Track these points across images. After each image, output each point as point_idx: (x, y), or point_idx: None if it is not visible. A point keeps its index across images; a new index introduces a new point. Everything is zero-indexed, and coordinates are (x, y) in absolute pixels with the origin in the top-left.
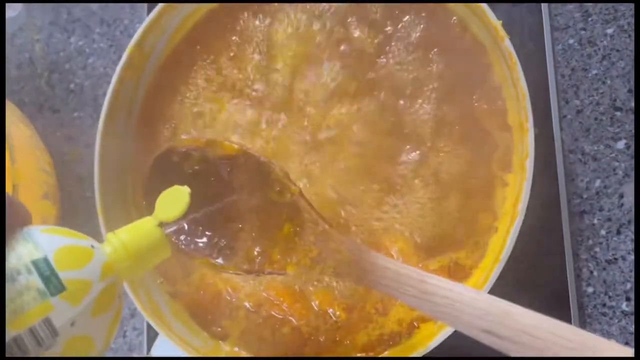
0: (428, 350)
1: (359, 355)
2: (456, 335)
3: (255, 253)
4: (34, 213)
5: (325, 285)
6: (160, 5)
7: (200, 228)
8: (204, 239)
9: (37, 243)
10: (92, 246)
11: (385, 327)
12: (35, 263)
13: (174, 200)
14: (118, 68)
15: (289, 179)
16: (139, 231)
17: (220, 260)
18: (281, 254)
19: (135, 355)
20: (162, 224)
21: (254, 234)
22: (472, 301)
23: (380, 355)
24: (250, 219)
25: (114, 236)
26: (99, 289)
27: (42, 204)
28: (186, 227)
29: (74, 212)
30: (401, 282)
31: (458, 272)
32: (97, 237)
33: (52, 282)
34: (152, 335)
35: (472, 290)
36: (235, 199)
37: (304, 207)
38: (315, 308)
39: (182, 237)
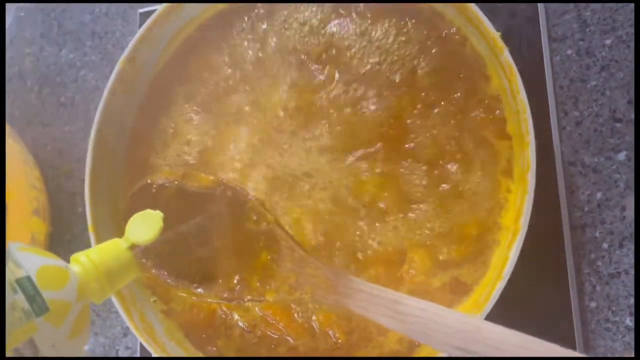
0: None
1: None
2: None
3: (235, 281)
4: (24, 230)
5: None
6: (152, 18)
7: (180, 258)
8: (184, 269)
9: (18, 261)
10: (66, 266)
11: (384, 346)
12: (19, 282)
13: (147, 223)
14: (110, 81)
15: (264, 208)
16: (109, 252)
17: (200, 290)
18: (260, 281)
19: None
20: (132, 247)
21: (232, 263)
22: (443, 319)
23: None
24: (228, 248)
25: (84, 256)
26: (76, 310)
27: (32, 221)
28: (166, 257)
29: (65, 228)
30: (376, 304)
31: (459, 289)
32: None
33: (36, 302)
34: (145, 355)
35: (444, 309)
36: (213, 229)
37: (280, 234)
38: (316, 329)
39: (162, 268)
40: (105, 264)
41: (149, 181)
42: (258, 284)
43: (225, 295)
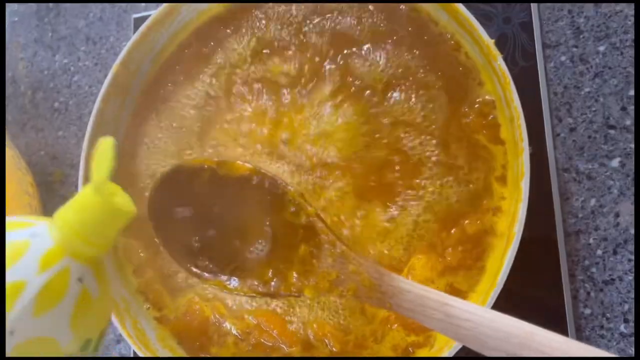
0: None
1: None
2: None
3: (270, 275)
4: None
5: (319, 315)
6: (146, 23)
7: (212, 250)
8: (216, 262)
9: None
10: (31, 235)
11: (379, 354)
12: None
13: (101, 156)
14: (103, 87)
15: (304, 200)
16: (80, 204)
17: (233, 283)
18: (298, 276)
19: None
20: (100, 188)
21: (268, 256)
22: (494, 324)
23: None
24: (264, 240)
25: (56, 218)
26: (38, 284)
27: None
28: (197, 248)
29: None
30: (424, 306)
31: (455, 296)
32: None
33: None
34: (139, 357)
35: (494, 312)
36: (248, 220)
37: (320, 228)
38: (311, 338)
39: (193, 259)
40: (79, 216)
41: (181, 164)
42: (295, 279)
43: (260, 289)
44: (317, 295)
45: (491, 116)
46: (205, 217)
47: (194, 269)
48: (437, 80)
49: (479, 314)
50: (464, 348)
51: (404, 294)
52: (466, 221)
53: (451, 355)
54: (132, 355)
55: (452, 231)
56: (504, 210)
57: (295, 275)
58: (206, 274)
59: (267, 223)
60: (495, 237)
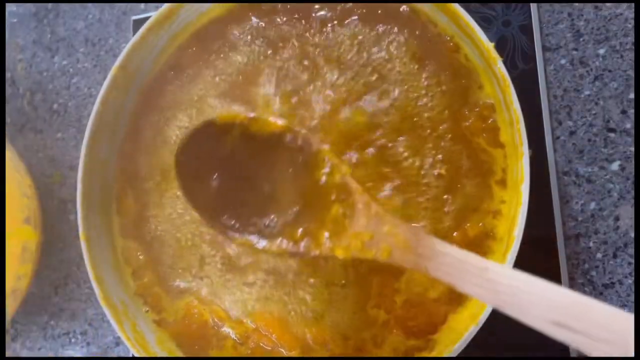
0: None
1: None
2: None
3: (300, 234)
4: (15, 238)
5: (316, 317)
6: (146, 25)
7: (240, 208)
8: (244, 220)
9: None
10: None
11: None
12: None
13: None
14: (103, 88)
15: (339, 159)
16: None
17: (262, 243)
18: (329, 236)
19: None
20: None
21: (298, 216)
22: (541, 291)
23: None
24: (295, 199)
25: None
26: None
27: (23, 229)
28: (225, 206)
29: (56, 236)
30: (462, 270)
31: (455, 300)
32: (81, 261)
33: None
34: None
35: (539, 280)
36: (278, 179)
37: (354, 188)
38: (310, 342)
39: (222, 217)
40: None
41: (212, 119)
42: (326, 239)
43: (290, 249)
44: (348, 255)
45: (491, 119)
46: (234, 175)
47: (222, 227)
48: (437, 84)
49: (521, 279)
50: (465, 350)
51: (441, 257)
52: (467, 224)
53: (454, 356)
54: (130, 357)
55: (454, 234)
56: (503, 213)
57: (326, 235)
58: (234, 233)
59: (299, 182)
60: (495, 241)
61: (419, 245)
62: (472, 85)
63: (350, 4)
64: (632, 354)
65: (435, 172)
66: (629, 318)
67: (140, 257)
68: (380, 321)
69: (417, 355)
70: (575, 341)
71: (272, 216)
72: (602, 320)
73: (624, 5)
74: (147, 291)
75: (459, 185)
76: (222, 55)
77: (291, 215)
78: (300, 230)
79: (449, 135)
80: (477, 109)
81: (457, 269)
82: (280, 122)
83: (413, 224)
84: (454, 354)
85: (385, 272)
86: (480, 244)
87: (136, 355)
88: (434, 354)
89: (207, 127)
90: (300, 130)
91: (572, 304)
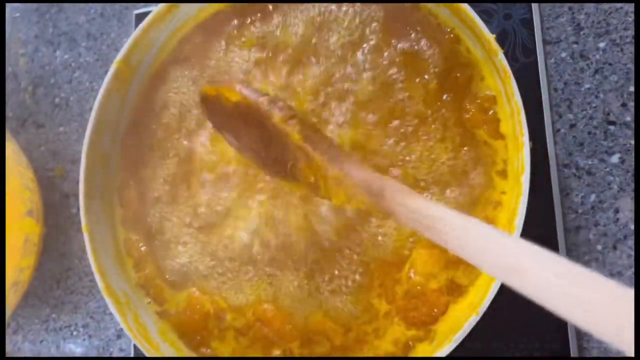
0: None
1: None
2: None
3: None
4: (17, 230)
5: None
6: (147, 19)
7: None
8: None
9: None
10: None
11: (379, 349)
12: None
13: None
14: (104, 82)
15: (286, 123)
16: None
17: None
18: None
19: None
20: None
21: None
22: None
23: None
24: (286, 156)
25: None
26: None
27: (25, 222)
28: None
29: (59, 229)
30: (416, 220)
31: (455, 291)
32: (82, 255)
33: None
34: (138, 356)
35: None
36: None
37: (305, 148)
38: (310, 333)
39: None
40: None
41: (201, 91)
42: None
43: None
44: (339, 203)
45: (491, 111)
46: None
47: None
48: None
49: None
50: (462, 347)
51: (398, 207)
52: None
53: (451, 349)
54: (132, 350)
55: None
56: (504, 204)
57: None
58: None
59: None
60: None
61: (382, 196)
62: (475, 78)
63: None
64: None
65: (436, 163)
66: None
67: (142, 249)
68: (382, 312)
69: (417, 345)
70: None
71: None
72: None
73: None
74: (149, 283)
75: (459, 176)
76: (223, 48)
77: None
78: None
79: (450, 127)
80: (478, 101)
81: (413, 219)
82: (245, 92)
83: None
84: (454, 344)
85: (387, 264)
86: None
87: (138, 346)
88: (434, 345)
89: (205, 97)
90: (250, 99)
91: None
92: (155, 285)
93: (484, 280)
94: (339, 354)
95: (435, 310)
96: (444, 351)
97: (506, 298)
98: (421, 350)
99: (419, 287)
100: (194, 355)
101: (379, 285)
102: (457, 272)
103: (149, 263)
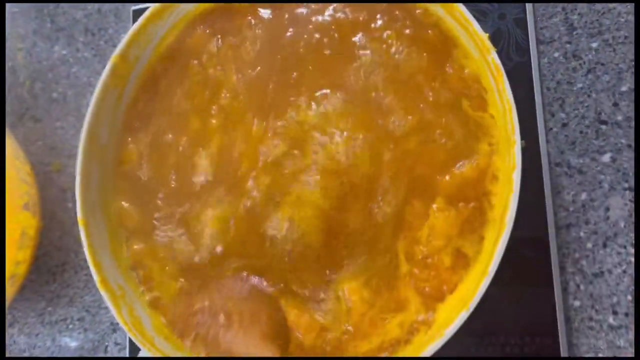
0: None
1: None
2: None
3: None
4: (14, 224)
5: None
6: (145, 15)
7: None
8: None
9: None
10: None
11: (387, 335)
12: None
13: None
14: (102, 78)
15: None
16: None
17: None
18: None
19: None
20: None
21: None
22: None
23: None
24: None
25: None
26: None
27: (22, 215)
28: None
29: (55, 223)
30: None
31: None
32: (79, 249)
33: None
34: (134, 350)
35: None
36: None
37: None
38: (300, 337)
39: None
40: None
41: None
42: None
43: None
44: None
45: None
46: None
47: None
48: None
49: None
50: (451, 345)
51: None
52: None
53: (442, 343)
54: (127, 344)
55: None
56: (496, 201)
57: None
58: None
59: None
60: (488, 224)
61: None
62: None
63: None
64: None
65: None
66: None
67: (135, 218)
68: (403, 270)
69: (419, 327)
70: None
71: None
72: None
73: None
74: (139, 264)
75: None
76: (221, 44)
77: None
78: None
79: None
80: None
81: None
82: None
83: None
84: (445, 339)
85: (406, 223)
86: (481, 191)
87: (133, 340)
88: (431, 332)
89: None
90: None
91: None
92: (144, 265)
93: (474, 276)
94: (350, 337)
95: (445, 287)
96: (435, 345)
97: (497, 296)
98: (417, 340)
99: (435, 255)
100: (189, 349)
101: (407, 228)
102: (464, 242)
103: (141, 235)
